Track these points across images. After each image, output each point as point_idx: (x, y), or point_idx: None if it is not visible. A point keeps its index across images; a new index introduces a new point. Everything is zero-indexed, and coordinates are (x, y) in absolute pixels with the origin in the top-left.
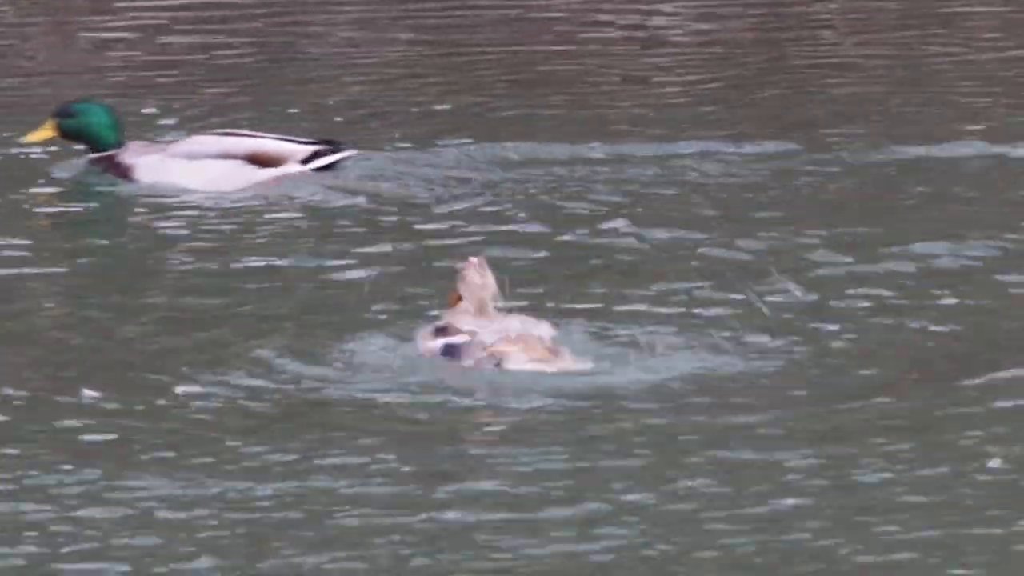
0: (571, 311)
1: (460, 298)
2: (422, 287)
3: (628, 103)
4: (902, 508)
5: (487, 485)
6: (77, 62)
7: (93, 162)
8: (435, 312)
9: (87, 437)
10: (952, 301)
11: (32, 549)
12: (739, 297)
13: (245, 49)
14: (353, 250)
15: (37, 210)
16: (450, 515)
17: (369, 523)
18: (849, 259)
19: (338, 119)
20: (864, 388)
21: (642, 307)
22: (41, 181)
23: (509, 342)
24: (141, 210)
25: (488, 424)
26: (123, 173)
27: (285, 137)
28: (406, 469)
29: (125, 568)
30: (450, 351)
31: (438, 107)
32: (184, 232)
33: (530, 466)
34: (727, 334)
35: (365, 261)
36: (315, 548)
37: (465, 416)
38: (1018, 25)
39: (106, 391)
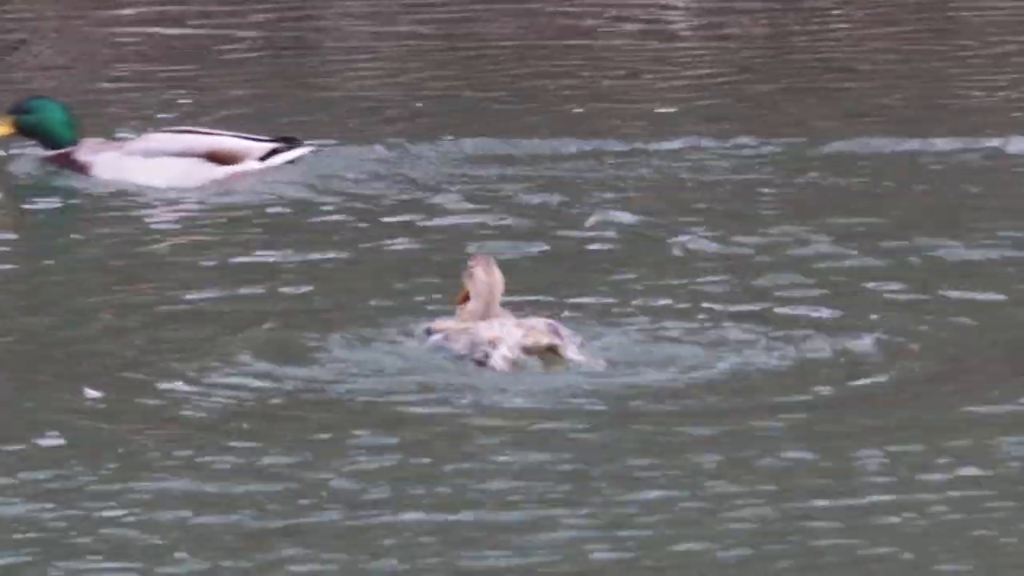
0: (570, 312)
1: (467, 296)
2: (406, 283)
3: (634, 98)
4: (909, 506)
5: (487, 485)
6: (83, 54)
7: (48, 159)
8: (429, 309)
9: (86, 436)
10: (956, 296)
11: (32, 549)
12: (741, 294)
13: (252, 43)
14: (325, 246)
15: None
16: (450, 515)
17: (369, 523)
18: (856, 254)
19: (338, 113)
20: (875, 387)
21: (643, 306)
22: None
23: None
24: (104, 208)
25: (488, 424)
26: (80, 170)
27: (243, 134)
28: (405, 469)
29: (126, 567)
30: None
31: (437, 103)
32: (150, 229)
33: (530, 466)
34: (728, 333)
35: (339, 259)
36: (315, 548)
37: (465, 416)
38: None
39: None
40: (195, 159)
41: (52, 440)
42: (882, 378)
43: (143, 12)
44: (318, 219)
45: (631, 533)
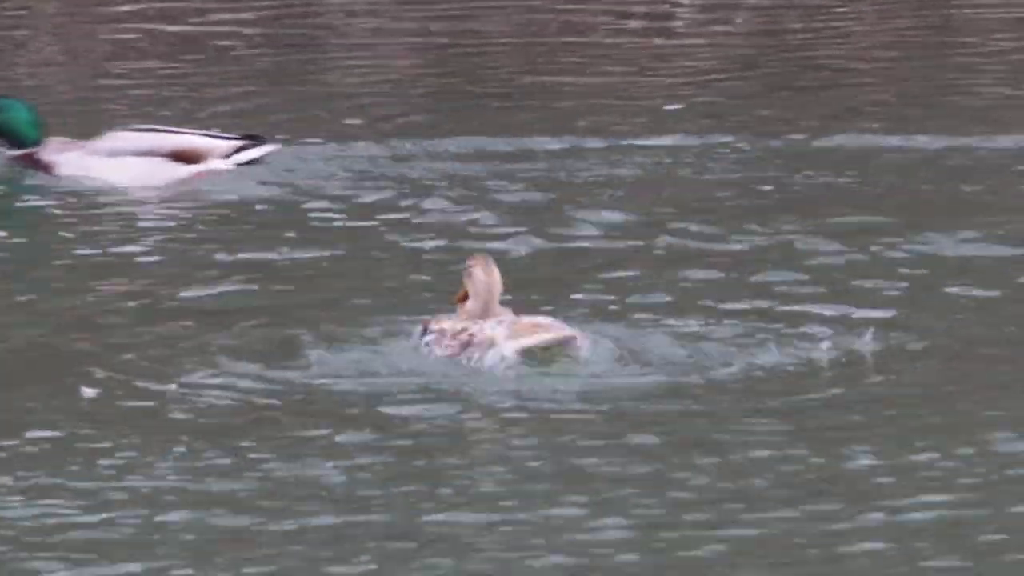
0: (571, 310)
1: (466, 295)
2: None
3: (633, 96)
4: (909, 507)
5: (488, 486)
6: (83, 50)
7: (12, 159)
8: (429, 307)
9: (84, 434)
10: (956, 292)
11: (29, 548)
12: (739, 292)
13: (251, 39)
14: (317, 244)
15: None
16: (449, 516)
17: (368, 523)
18: (855, 251)
19: (338, 109)
20: (878, 385)
21: (642, 305)
22: None
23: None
24: (69, 208)
25: (488, 424)
26: (45, 169)
27: (208, 132)
28: (397, 468)
29: (122, 566)
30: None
31: (436, 100)
32: (116, 229)
33: (530, 466)
34: (728, 333)
35: (332, 256)
36: (309, 547)
37: (458, 416)
38: None
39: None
40: (159, 158)
41: (47, 437)
42: (880, 376)
43: (142, 8)
44: (311, 216)
45: (631, 533)
